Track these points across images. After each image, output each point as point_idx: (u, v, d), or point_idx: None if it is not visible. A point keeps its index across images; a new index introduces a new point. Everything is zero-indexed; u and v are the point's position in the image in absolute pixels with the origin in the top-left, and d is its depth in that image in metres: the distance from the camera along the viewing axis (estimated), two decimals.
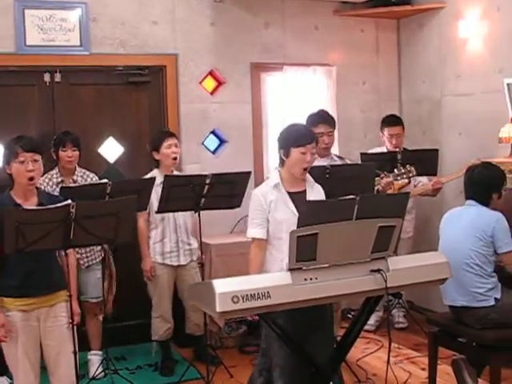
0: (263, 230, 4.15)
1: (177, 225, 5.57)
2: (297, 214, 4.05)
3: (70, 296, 4.09)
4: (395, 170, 5.59)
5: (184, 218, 5.59)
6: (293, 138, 4.16)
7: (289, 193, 4.18)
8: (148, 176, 5.55)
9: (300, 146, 4.12)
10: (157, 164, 5.64)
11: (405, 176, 5.59)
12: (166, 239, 5.59)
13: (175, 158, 5.60)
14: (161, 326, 5.68)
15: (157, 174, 5.52)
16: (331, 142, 5.60)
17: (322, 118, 5.58)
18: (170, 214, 5.51)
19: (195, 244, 5.66)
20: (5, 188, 4.08)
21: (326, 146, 5.55)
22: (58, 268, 4.10)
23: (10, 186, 4.04)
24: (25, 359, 3.97)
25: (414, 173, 5.58)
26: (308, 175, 4.27)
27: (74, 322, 4.12)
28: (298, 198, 4.16)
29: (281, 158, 4.23)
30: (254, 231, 4.18)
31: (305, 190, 4.24)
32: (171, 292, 5.70)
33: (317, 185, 4.33)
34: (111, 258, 5.53)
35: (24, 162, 3.93)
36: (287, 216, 4.10)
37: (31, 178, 3.94)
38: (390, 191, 5.73)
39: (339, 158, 5.71)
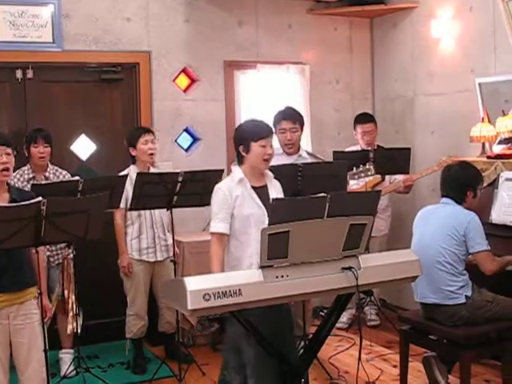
0: (227, 225, 4.14)
1: (153, 221, 5.57)
2: (263, 207, 4.12)
3: (41, 293, 4.06)
4: (354, 169, 5.59)
5: (160, 214, 5.60)
6: (251, 133, 4.17)
7: (253, 187, 4.20)
8: (124, 172, 5.55)
9: (260, 139, 4.14)
10: (133, 160, 5.65)
11: (363, 174, 5.58)
12: (143, 235, 5.59)
13: (151, 154, 5.61)
14: (135, 323, 5.66)
15: (133, 170, 5.52)
16: (295, 139, 5.55)
17: (285, 114, 5.59)
18: (147, 211, 5.51)
19: (171, 240, 5.66)
20: None
21: (289, 143, 5.53)
22: (28, 264, 4.07)
23: None
24: None
25: (373, 171, 5.59)
26: (267, 170, 4.30)
27: (46, 318, 4.10)
28: (261, 191, 4.21)
29: (240, 155, 4.23)
30: (219, 225, 4.14)
31: (266, 185, 4.27)
32: (147, 289, 5.68)
33: (275, 180, 4.37)
34: (71, 262, 5.42)
35: None
36: (254, 210, 4.13)
37: (5, 170, 3.93)
38: (362, 189, 5.76)
39: (310, 154, 5.70)
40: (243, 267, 4.06)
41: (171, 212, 5.30)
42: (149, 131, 5.68)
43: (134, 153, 5.62)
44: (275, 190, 4.28)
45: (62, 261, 5.39)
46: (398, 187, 6.17)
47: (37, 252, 4.01)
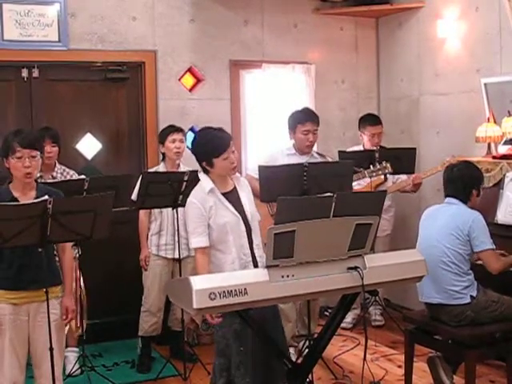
0: (206, 238, 4.09)
1: (175, 218, 5.56)
2: (237, 213, 4.10)
3: (66, 293, 4.10)
4: (371, 167, 5.62)
5: (181, 212, 5.59)
6: (211, 150, 4.10)
7: (223, 194, 4.15)
8: (154, 169, 5.71)
9: (221, 153, 4.08)
10: (163, 157, 5.74)
11: (380, 172, 5.62)
12: (163, 231, 5.65)
13: (178, 153, 5.65)
14: (146, 320, 5.69)
15: (162, 168, 5.66)
16: (315, 140, 5.64)
17: (309, 116, 5.63)
18: (169, 208, 5.52)
19: None
20: (6, 180, 4.07)
21: (311, 144, 5.59)
22: (53, 263, 4.10)
23: (9, 179, 4.02)
24: (12, 353, 3.96)
25: (390, 169, 5.61)
26: None
27: (67, 320, 4.10)
28: (231, 196, 4.17)
29: (204, 169, 4.18)
30: (199, 240, 4.09)
31: (235, 187, 4.23)
32: (162, 286, 5.63)
33: (238, 176, 4.35)
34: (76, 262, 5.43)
35: (21, 157, 3.91)
36: (228, 218, 4.10)
37: (28, 174, 3.93)
38: (366, 189, 5.76)
39: (320, 155, 5.72)
40: None
41: (177, 211, 5.32)
42: (178, 130, 5.73)
43: (162, 150, 5.72)
44: (247, 191, 4.26)
45: None
46: (406, 185, 6.14)
47: (63, 251, 4.09)
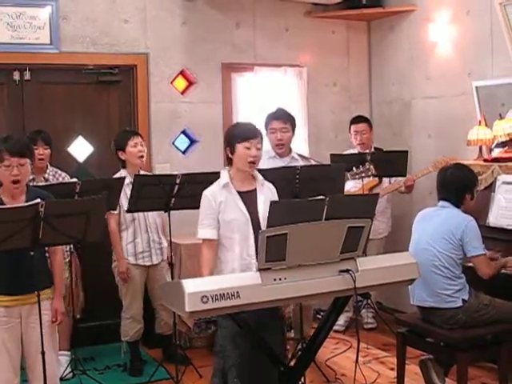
0: (213, 231, 4.09)
1: (147, 224, 5.56)
2: (246, 213, 4.06)
3: (56, 295, 4.09)
4: (354, 169, 5.59)
5: (154, 217, 5.59)
6: (237, 135, 4.14)
7: (239, 192, 4.13)
8: (117, 175, 5.54)
9: (244, 140, 4.08)
10: (123, 164, 5.61)
11: (363, 174, 5.59)
12: (138, 239, 5.57)
13: (141, 157, 5.59)
14: (132, 326, 5.66)
15: (125, 174, 5.51)
16: (285, 139, 5.52)
17: (275, 114, 5.59)
18: (141, 214, 5.50)
19: (165, 243, 5.67)
20: None
21: (279, 143, 5.51)
22: (44, 266, 4.09)
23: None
24: (5, 355, 3.95)
25: (373, 171, 5.60)
26: (258, 174, 4.24)
27: (57, 322, 4.10)
28: (248, 196, 4.14)
29: (228, 157, 4.20)
30: (204, 231, 4.11)
31: (255, 189, 4.19)
32: (142, 293, 5.68)
33: (268, 183, 4.29)
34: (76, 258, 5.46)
35: (9, 166, 3.90)
36: (236, 216, 4.07)
37: (16, 182, 3.92)
38: (359, 192, 5.77)
39: (302, 157, 5.67)
40: (226, 272, 4.05)
41: (169, 214, 5.31)
42: (137, 134, 5.67)
43: (123, 156, 5.57)
44: (265, 194, 4.20)
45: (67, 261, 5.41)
46: (398, 187, 6.16)
47: (54, 254, 4.08)
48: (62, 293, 4.27)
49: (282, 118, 5.53)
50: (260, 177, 4.25)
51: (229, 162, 4.20)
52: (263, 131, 5.60)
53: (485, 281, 4.58)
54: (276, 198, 4.26)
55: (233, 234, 4.08)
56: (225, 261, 4.10)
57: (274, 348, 3.77)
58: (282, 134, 5.50)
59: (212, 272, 4.10)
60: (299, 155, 5.68)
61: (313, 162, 5.68)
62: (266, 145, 5.72)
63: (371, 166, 5.56)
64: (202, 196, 4.17)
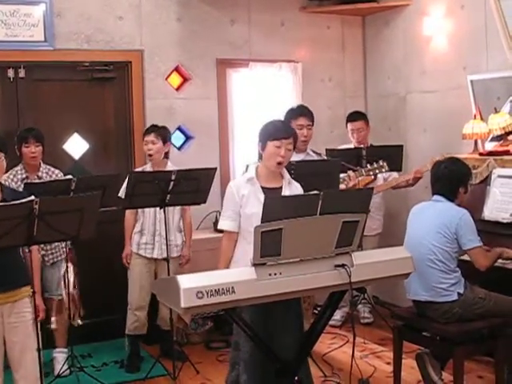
0: (233, 223, 4.19)
1: (156, 218, 5.57)
2: None
3: (34, 292, 4.06)
4: (368, 165, 5.61)
5: (171, 213, 5.62)
6: (269, 132, 4.20)
7: (263, 188, 4.19)
8: (140, 169, 5.73)
9: (275, 139, 4.14)
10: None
11: (377, 171, 5.60)
12: (145, 231, 5.65)
13: (150, 155, 5.63)
14: (129, 317, 5.70)
15: (149, 168, 5.67)
16: (309, 136, 5.66)
17: (302, 111, 5.67)
18: (151, 208, 5.53)
19: (178, 240, 5.72)
20: None
21: (305, 139, 5.61)
22: (20, 264, 4.07)
23: None
24: None
25: (387, 168, 5.59)
26: (285, 172, 4.31)
27: (39, 318, 4.09)
28: (272, 193, 4.17)
29: (259, 152, 4.27)
30: (224, 223, 4.23)
31: (281, 187, 4.25)
32: (144, 284, 5.64)
33: (295, 182, 4.34)
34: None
35: None
36: (257, 210, 3.99)
37: None
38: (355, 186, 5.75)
39: (316, 153, 5.75)
40: (242, 264, 4.06)
41: (164, 211, 5.31)
42: (149, 132, 5.69)
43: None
44: (290, 193, 4.23)
45: (63, 258, 5.41)
46: (404, 180, 6.10)
47: (30, 251, 4.01)
48: (40, 289, 4.26)
49: (309, 116, 5.65)
50: (287, 175, 4.32)
51: (260, 157, 4.28)
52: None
53: (480, 274, 4.59)
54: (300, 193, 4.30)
55: (252, 228, 4.08)
56: (244, 252, 4.10)
57: (290, 343, 3.79)
58: (308, 130, 5.62)
59: (229, 262, 4.22)
60: (313, 151, 5.76)
61: (324, 158, 5.74)
62: None
63: (385, 163, 5.55)
64: (227, 187, 4.29)
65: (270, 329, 3.92)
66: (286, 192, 4.24)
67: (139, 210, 5.63)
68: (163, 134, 5.73)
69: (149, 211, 5.60)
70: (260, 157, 4.28)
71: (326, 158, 5.80)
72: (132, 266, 5.66)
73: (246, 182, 4.21)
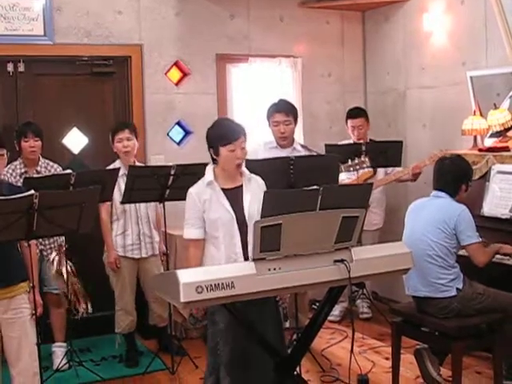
0: (198, 230, 4.05)
1: (138, 217, 5.56)
2: (231, 211, 4.01)
3: (33, 287, 4.06)
4: (349, 161, 5.56)
5: (146, 210, 5.58)
6: (219, 137, 4.03)
7: (224, 190, 4.06)
8: (111, 167, 5.54)
9: (227, 143, 3.99)
10: (118, 155, 5.64)
11: (358, 167, 5.55)
12: (128, 231, 5.57)
13: (126, 152, 5.55)
14: (123, 319, 5.67)
15: (119, 165, 5.52)
16: (288, 132, 5.56)
17: (278, 106, 5.60)
18: (132, 206, 5.50)
19: (157, 237, 5.69)
20: None
21: (282, 136, 5.54)
22: (18, 259, 4.07)
23: None
24: None
25: (368, 163, 5.56)
26: (244, 169, 4.15)
27: (38, 313, 4.09)
28: (233, 194, 4.07)
29: (213, 159, 4.11)
30: (190, 232, 4.07)
31: (241, 185, 4.12)
32: (133, 285, 5.67)
33: (255, 176, 4.20)
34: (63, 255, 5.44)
35: None
36: (221, 214, 4.01)
37: None
38: (354, 182, 5.76)
39: (304, 147, 5.69)
40: None
41: (164, 206, 5.32)
42: (124, 128, 5.60)
43: (114, 149, 5.61)
44: (252, 189, 4.12)
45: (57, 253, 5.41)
46: (403, 175, 6.09)
47: (29, 246, 4.01)
48: (37, 284, 4.25)
49: (285, 111, 5.55)
50: (247, 172, 4.16)
51: (214, 161, 4.13)
52: (265, 122, 5.66)
53: (478, 270, 4.60)
54: (262, 189, 4.13)
55: (218, 233, 4.02)
56: (211, 259, 4.05)
57: (272, 339, 3.78)
58: (284, 126, 5.54)
59: None
60: (302, 146, 5.71)
61: (314, 153, 5.67)
62: (267, 136, 5.75)
63: (366, 159, 5.53)
64: (188, 194, 4.11)
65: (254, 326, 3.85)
66: (246, 191, 4.10)
67: (118, 211, 5.51)
68: (135, 130, 5.69)
69: (130, 210, 5.53)
70: (213, 161, 4.11)
71: (313, 150, 5.68)
72: (120, 269, 5.56)
73: (205, 186, 4.06)
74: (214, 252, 4.07)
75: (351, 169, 5.54)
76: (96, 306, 5.94)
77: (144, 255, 5.61)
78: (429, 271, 4.53)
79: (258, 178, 4.21)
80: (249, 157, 5.22)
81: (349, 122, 6.44)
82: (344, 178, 6.02)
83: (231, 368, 3.94)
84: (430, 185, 4.86)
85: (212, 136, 4.10)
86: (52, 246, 5.45)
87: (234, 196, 4.08)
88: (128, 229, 5.56)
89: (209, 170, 4.14)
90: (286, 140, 5.57)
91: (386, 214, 6.64)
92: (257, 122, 6.70)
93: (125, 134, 5.55)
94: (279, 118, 5.53)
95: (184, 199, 5.35)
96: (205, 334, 6.04)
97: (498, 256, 4.73)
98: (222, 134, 4.03)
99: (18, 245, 4.11)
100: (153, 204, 5.57)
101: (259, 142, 5.81)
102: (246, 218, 4.03)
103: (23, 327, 4.00)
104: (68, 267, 5.35)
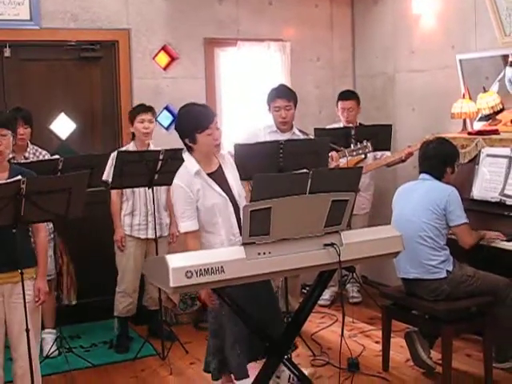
0: (194, 221, 4.08)
1: (147, 198, 5.55)
2: (224, 194, 4.09)
3: (36, 276, 4.06)
4: (351, 146, 5.62)
5: (157, 192, 5.58)
6: (193, 125, 4.07)
7: (208, 175, 4.12)
8: (124, 148, 5.67)
9: (204, 129, 4.04)
10: (133, 137, 5.68)
11: (361, 151, 5.61)
12: (136, 212, 5.62)
13: (146, 133, 5.61)
14: (122, 301, 5.66)
15: (132, 147, 5.62)
16: (289, 117, 5.61)
17: (279, 92, 5.63)
18: (141, 188, 5.50)
19: (166, 219, 5.71)
20: None
21: (283, 120, 5.58)
22: (26, 245, 4.05)
23: None
24: None
25: (370, 148, 5.60)
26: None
27: (40, 301, 4.07)
28: (217, 176, 4.15)
29: (188, 146, 4.14)
30: (189, 224, 4.08)
31: (220, 166, 4.21)
32: (138, 267, 5.60)
33: (226, 155, 4.33)
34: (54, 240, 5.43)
35: None
36: (216, 200, 4.08)
37: None
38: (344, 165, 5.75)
39: (302, 132, 5.73)
40: None
41: (152, 190, 5.31)
42: (147, 110, 5.68)
43: (132, 129, 5.66)
44: (232, 168, 4.26)
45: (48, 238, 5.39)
46: (395, 158, 6.07)
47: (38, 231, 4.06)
48: (46, 272, 4.24)
49: (286, 96, 5.59)
50: (220, 151, 4.27)
51: (189, 149, 4.15)
52: (265, 106, 5.66)
53: (467, 253, 4.62)
54: (233, 163, 4.30)
55: (216, 219, 4.07)
56: (211, 246, 4.08)
57: (269, 320, 3.79)
58: (285, 111, 5.57)
59: None
60: (300, 131, 5.74)
61: (311, 138, 5.70)
62: (267, 119, 5.74)
63: (368, 143, 5.55)
64: (175, 187, 4.11)
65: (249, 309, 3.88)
66: (226, 170, 4.21)
67: (128, 191, 5.59)
68: (155, 114, 5.79)
69: (139, 192, 5.57)
70: (188, 148, 4.15)
71: (311, 137, 5.75)
72: (125, 248, 5.61)
73: (193, 176, 4.07)
74: (212, 238, 4.08)
75: (354, 153, 5.58)
76: (86, 292, 5.95)
77: (150, 236, 5.59)
78: (419, 252, 4.54)
79: (225, 154, 4.34)
80: (248, 140, 5.26)
81: (339, 103, 6.42)
82: (345, 162, 6.01)
83: (245, 346, 3.99)
84: (418, 169, 4.87)
85: (185, 126, 4.12)
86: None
87: (219, 178, 4.15)
88: (136, 209, 5.62)
89: (189, 158, 4.15)
90: (286, 125, 5.61)
91: (374, 198, 6.64)
92: (245, 106, 6.69)
93: (147, 116, 5.63)
94: (280, 104, 5.56)
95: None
96: (196, 319, 6.10)
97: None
98: (197, 122, 4.07)
99: (30, 231, 4.10)
100: (164, 186, 5.58)
101: (261, 125, 5.80)
102: (236, 196, 4.12)
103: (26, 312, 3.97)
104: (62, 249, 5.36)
